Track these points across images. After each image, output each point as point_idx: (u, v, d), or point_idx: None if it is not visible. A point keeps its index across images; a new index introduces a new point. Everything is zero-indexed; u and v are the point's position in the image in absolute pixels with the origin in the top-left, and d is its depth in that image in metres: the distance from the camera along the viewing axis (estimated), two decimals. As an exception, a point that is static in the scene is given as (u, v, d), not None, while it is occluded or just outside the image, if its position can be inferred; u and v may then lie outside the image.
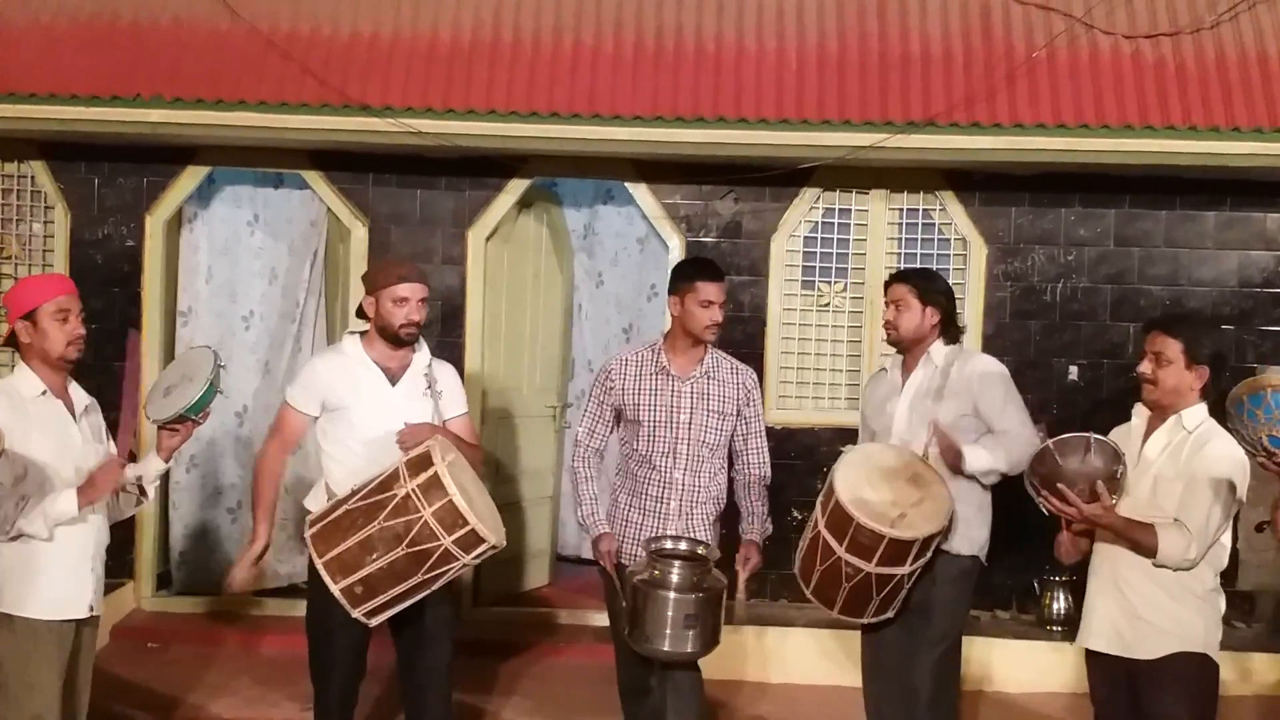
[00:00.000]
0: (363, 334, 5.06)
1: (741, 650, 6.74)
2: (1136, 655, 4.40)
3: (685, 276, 5.16)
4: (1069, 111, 6.75)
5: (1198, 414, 4.39)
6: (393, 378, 5.00)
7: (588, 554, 7.03)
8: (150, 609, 7.50)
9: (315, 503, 4.91)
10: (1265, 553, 7.26)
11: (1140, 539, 4.30)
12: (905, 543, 4.68)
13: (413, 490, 4.52)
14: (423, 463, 4.57)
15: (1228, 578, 4.55)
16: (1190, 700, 4.37)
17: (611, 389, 5.23)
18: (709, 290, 5.08)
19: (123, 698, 6.19)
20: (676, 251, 7.36)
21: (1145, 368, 4.43)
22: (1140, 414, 4.52)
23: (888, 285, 5.27)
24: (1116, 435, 4.51)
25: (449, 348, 7.18)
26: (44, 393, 4.25)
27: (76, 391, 4.40)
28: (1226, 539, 4.38)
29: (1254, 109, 6.74)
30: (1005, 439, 4.94)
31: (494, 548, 4.63)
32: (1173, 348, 4.38)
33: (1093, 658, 4.56)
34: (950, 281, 5.54)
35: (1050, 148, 6.76)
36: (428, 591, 4.68)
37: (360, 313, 5.05)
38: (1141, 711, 4.43)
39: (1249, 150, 6.69)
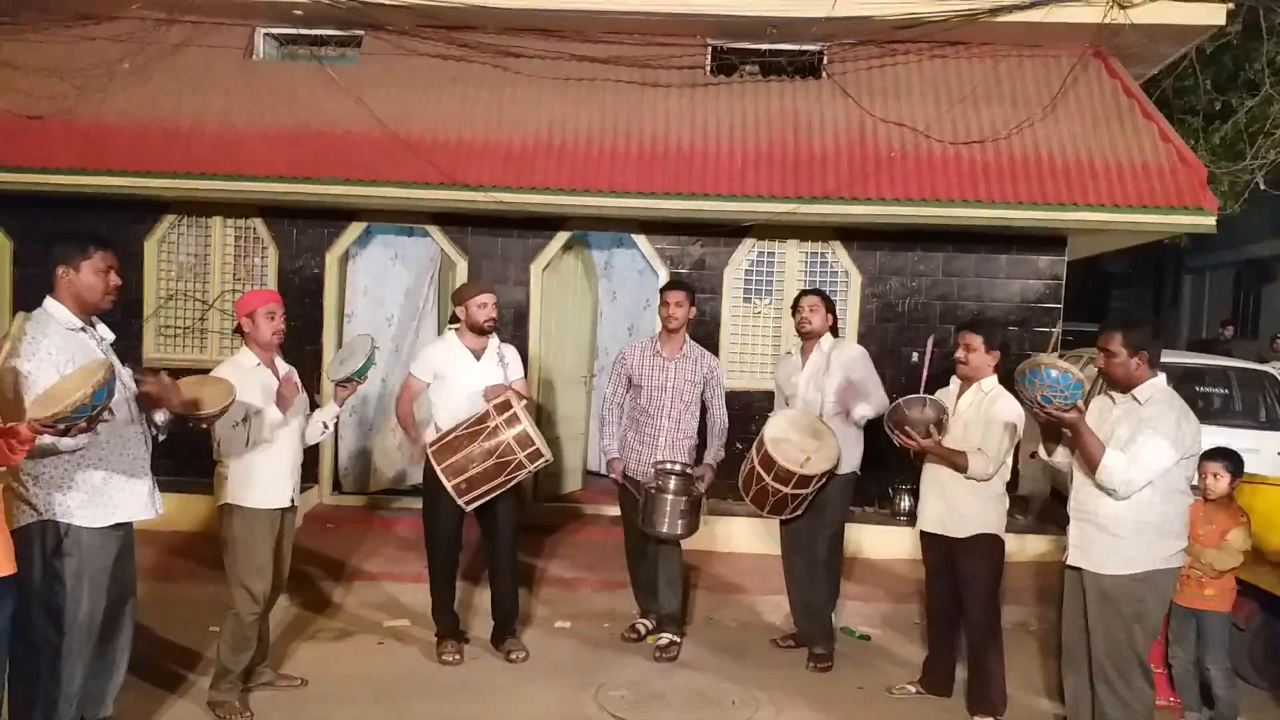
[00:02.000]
0: (456, 329, 5.07)
1: (706, 531, 6.68)
2: (953, 534, 4.44)
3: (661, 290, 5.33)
4: (915, 191, 6.72)
5: (991, 382, 4.43)
6: (477, 356, 5.01)
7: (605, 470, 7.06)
8: (329, 503, 7.50)
9: (429, 435, 4.92)
10: (1036, 470, 7.28)
11: (958, 461, 4.34)
12: (809, 476, 4.72)
13: (500, 423, 4.62)
14: (505, 406, 4.67)
15: (1011, 486, 4.56)
16: (987, 564, 4.43)
17: (625, 363, 5.30)
18: (664, 295, 5.24)
19: (310, 560, 6.23)
20: (663, 278, 7.31)
21: (960, 354, 4.45)
22: (955, 383, 4.54)
23: (801, 298, 5.24)
24: (942, 394, 4.54)
25: (517, 339, 7.16)
26: (258, 364, 4.27)
27: (281, 364, 4.42)
28: (1010, 460, 4.41)
29: (1031, 190, 6.71)
30: (870, 398, 4.96)
31: (547, 461, 4.70)
32: (976, 340, 4.41)
33: (925, 536, 4.60)
34: (836, 298, 5.54)
35: (903, 213, 6.73)
36: (503, 490, 4.73)
37: (453, 318, 5.08)
38: (955, 571, 4.46)
39: (1026, 216, 6.67)
